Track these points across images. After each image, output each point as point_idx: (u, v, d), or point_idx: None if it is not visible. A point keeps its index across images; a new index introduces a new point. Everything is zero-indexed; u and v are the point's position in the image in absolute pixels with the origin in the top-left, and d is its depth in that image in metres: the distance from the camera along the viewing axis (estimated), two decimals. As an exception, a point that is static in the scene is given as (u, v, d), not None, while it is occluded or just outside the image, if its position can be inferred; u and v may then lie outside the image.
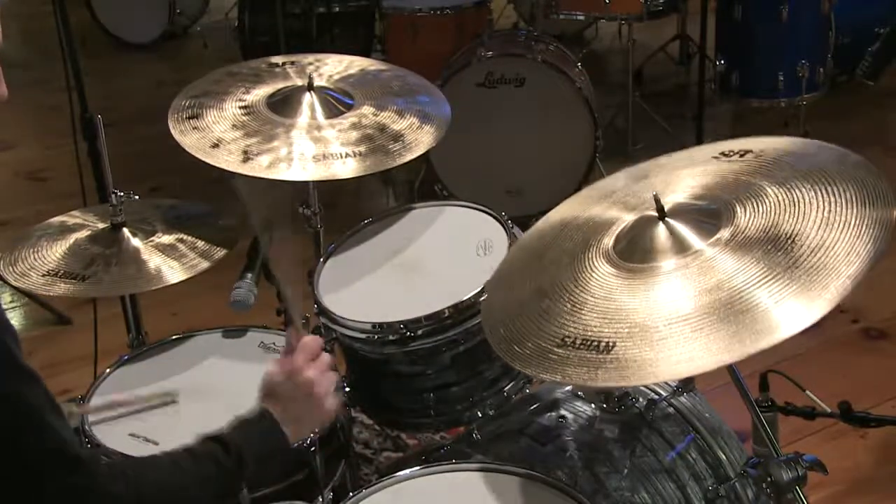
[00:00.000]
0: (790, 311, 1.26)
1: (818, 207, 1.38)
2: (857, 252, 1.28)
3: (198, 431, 1.81)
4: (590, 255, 1.51)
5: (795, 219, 1.38)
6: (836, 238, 1.32)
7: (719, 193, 1.49)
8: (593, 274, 1.47)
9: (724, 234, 1.41)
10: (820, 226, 1.35)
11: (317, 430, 1.82)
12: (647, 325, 1.34)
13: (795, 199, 1.41)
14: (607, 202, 1.63)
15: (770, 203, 1.42)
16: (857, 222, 1.33)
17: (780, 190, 1.43)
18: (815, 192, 1.40)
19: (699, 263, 1.39)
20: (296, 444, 1.82)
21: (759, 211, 1.42)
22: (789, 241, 1.34)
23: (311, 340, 1.60)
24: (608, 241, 1.52)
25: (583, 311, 1.42)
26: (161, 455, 1.42)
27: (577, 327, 1.40)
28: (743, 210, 1.43)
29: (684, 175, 1.58)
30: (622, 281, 1.44)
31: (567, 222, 1.65)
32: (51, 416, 1.26)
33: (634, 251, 1.47)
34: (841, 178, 1.41)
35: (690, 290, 1.35)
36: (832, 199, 1.38)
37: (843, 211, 1.35)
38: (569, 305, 1.44)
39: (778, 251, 1.33)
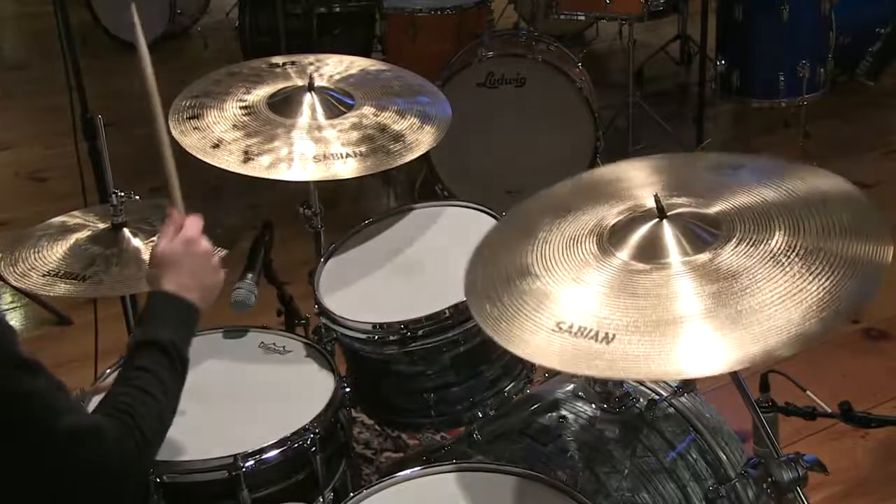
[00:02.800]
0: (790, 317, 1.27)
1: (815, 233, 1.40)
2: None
3: (198, 433, 1.81)
4: (586, 241, 1.52)
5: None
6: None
7: (730, 207, 1.49)
8: (587, 260, 1.48)
9: (722, 246, 1.42)
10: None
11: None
12: (640, 322, 1.34)
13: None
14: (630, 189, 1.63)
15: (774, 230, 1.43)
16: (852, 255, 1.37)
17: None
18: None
19: (697, 266, 1.39)
20: (296, 446, 1.83)
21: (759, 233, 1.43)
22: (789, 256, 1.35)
23: (194, 220, 1.66)
24: (606, 228, 1.53)
25: (575, 299, 1.41)
26: (134, 386, 1.41)
27: (570, 314, 1.39)
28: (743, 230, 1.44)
29: (707, 180, 1.59)
30: (612, 274, 1.44)
31: (571, 202, 1.65)
32: (55, 399, 1.28)
33: (640, 248, 1.47)
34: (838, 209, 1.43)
35: (687, 293, 1.36)
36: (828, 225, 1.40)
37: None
38: (560, 289, 1.44)
39: (774, 267, 1.34)
